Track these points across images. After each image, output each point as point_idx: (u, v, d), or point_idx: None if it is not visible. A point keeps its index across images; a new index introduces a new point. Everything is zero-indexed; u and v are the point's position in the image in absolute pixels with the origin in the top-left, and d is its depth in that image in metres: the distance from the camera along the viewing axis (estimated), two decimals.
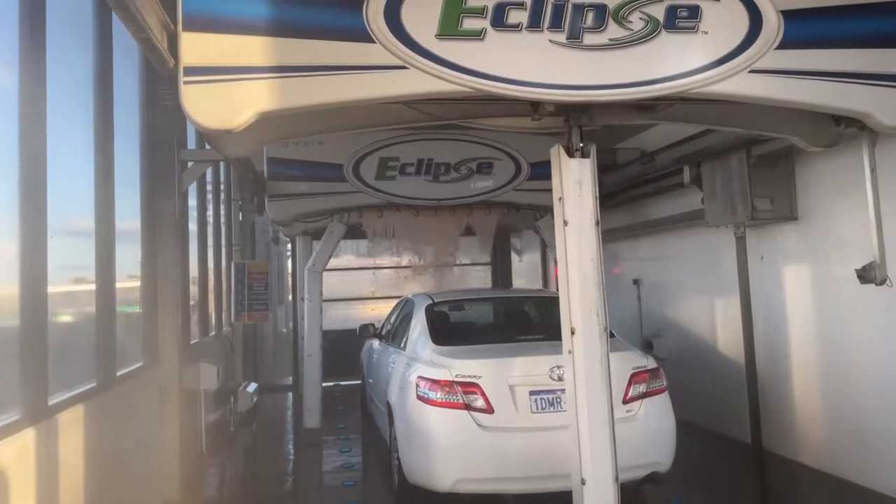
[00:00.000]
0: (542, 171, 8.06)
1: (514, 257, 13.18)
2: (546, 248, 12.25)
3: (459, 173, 8.44)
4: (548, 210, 8.66)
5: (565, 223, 3.76)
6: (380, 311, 10.12)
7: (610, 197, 8.80)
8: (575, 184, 3.78)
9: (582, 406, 3.68)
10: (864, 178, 4.33)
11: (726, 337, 7.41)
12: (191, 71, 3.29)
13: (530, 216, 9.92)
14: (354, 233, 9.19)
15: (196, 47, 3.31)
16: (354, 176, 8.19)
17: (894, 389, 5.29)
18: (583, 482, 3.68)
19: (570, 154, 3.84)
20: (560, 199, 3.79)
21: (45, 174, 3.60)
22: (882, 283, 4.26)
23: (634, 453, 5.04)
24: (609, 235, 9.82)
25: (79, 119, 4.50)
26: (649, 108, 4.06)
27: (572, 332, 3.72)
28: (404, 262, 12.94)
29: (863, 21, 3.96)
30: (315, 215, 8.60)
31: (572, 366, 3.71)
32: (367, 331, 8.32)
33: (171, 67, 3.48)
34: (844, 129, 4.33)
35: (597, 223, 3.79)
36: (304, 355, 8.56)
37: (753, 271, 6.89)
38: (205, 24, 3.34)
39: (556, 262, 11.57)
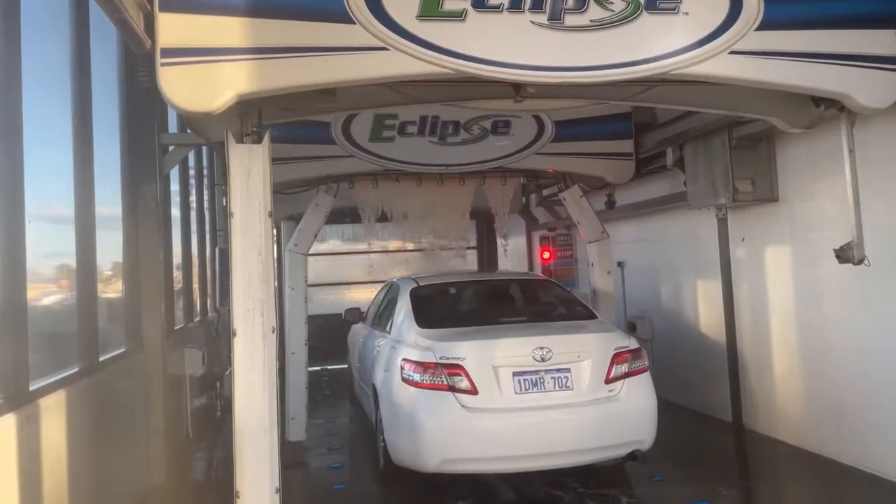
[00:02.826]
0: (569, 131, 7.04)
1: (500, 240, 13.18)
2: (532, 232, 12.27)
3: (471, 134, 6.98)
4: (576, 178, 7.66)
5: (231, 214, 3.59)
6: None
7: (648, 161, 7.75)
8: (242, 172, 3.59)
9: (240, 413, 3.55)
10: (842, 159, 4.38)
11: (708, 318, 7.49)
12: (168, 52, 3.26)
13: (518, 195, 9.55)
14: (342, 216, 8.82)
15: (173, 28, 3.28)
16: (344, 136, 6.80)
17: (871, 367, 5.38)
18: (236, 495, 3.55)
19: (240, 139, 3.63)
20: (226, 188, 3.62)
21: (22, 159, 3.55)
22: (860, 262, 4.33)
23: (616, 432, 5.13)
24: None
25: (56, 103, 4.44)
26: (330, 92, 3.78)
27: (234, 334, 3.57)
28: (406, 245, 12.48)
29: (841, 3, 4.00)
30: (296, 185, 7.26)
31: (233, 371, 3.58)
32: (353, 314, 8.31)
33: (149, 49, 3.44)
34: (824, 110, 4.38)
35: (269, 214, 3.62)
36: (287, 352, 7.10)
37: (735, 253, 6.95)
38: (182, 4, 3.32)
39: (541, 244, 11.66)
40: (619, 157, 7.40)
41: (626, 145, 7.39)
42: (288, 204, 7.88)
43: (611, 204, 8.59)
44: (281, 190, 7.02)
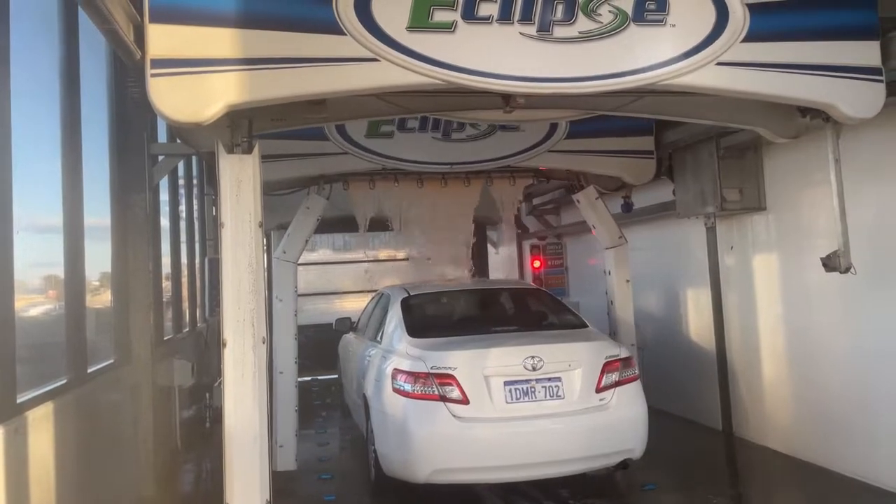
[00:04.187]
0: (584, 126, 6.35)
1: (491, 249, 13.22)
2: (522, 241, 12.30)
3: (478, 129, 6.38)
4: (591, 178, 7.14)
5: (221, 225, 3.62)
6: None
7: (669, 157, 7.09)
8: (233, 182, 3.60)
9: (230, 424, 3.56)
10: (828, 169, 4.43)
11: (698, 326, 7.53)
12: (158, 63, 3.27)
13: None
14: (332, 226, 8.68)
15: (163, 39, 3.28)
16: (338, 131, 6.16)
17: (858, 375, 5.43)
18: None
19: (230, 150, 3.65)
20: (216, 198, 3.63)
21: (10, 169, 3.53)
22: (846, 270, 4.37)
23: (607, 441, 5.14)
24: (584, 227, 9.89)
25: (45, 112, 4.42)
26: (321, 103, 3.81)
27: (224, 345, 3.58)
28: (396, 254, 12.23)
29: (827, 14, 4.05)
30: (285, 186, 6.65)
31: (223, 382, 3.59)
32: (344, 324, 8.29)
33: (138, 59, 3.44)
34: (810, 120, 4.43)
35: (259, 225, 3.64)
36: (274, 371, 6.22)
37: (723, 261, 7.00)
38: (172, 15, 3.32)
39: (532, 253, 11.68)
40: (639, 156, 6.78)
41: (646, 142, 6.78)
42: (279, 213, 7.37)
43: (627, 207, 7.79)
44: (269, 191, 6.17)
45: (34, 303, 4.39)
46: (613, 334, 6.71)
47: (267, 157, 5.69)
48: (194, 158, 8.47)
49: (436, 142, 6.34)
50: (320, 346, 10.12)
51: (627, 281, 6.96)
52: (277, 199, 6.83)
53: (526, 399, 5.06)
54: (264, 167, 5.68)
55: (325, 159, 6.26)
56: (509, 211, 7.50)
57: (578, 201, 7.22)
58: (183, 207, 8.48)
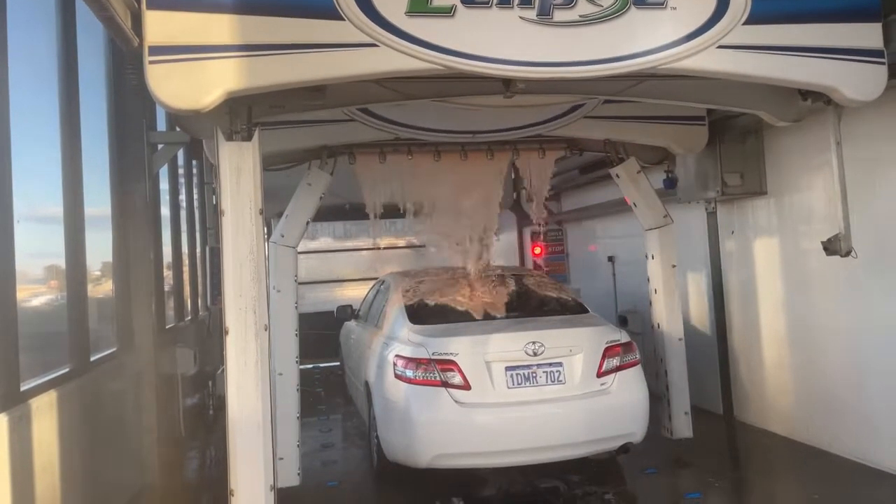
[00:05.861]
0: None
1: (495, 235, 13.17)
2: (523, 227, 12.27)
3: None
4: (631, 149, 6.23)
5: (221, 212, 3.60)
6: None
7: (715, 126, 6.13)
8: (233, 170, 3.59)
9: (233, 412, 3.59)
10: (830, 152, 4.42)
11: (699, 310, 7.54)
12: (156, 50, 3.25)
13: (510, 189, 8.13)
14: (331, 213, 8.52)
15: (161, 26, 3.26)
16: None
17: (858, 358, 5.44)
18: (231, 493, 3.57)
19: (229, 137, 3.63)
20: (216, 185, 3.60)
21: (10, 159, 3.53)
22: (847, 254, 4.37)
23: (608, 425, 5.16)
24: (584, 213, 9.90)
25: (43, 101, 4.41)
26: (320, 89, 3.74)
27: (226, 333, 3.59)
28: (398, 242, 11.96)
29: None
30: (285, 159, 5.77)
31: (226, 370, 3.61)
32: (345, 312, 8.30)
33: (136, 47, 3.42)
34: (811, 103, 4.41)
35: (260, 212, 3.63)
36: (272, 372, 4.51)
37: (724, 245, 7.00)
38: (170, 1, 3.30)
39: (532, 239, 11.65)
40: (689, 122, 5.84)
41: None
42: (279, 201, 6.34)
43: (671, 182, 6.95)
44: (267, 166, 4.97)
45: (36, 293, 4.41)
46: (657, 326, 6.31)
47: (266, 125, 4.58)
48: (194, 146, 8.44)
49: (456, 106, 5.14)
50: (320, 334, 10.10)
51: (673, 266, 6.19)
52: (278, 185, 5.96)
53: (527, 384, 5.08)
54: (264, 135, 4.46)
55: (329, 127, 5.34)
56: (540, 189, 6.45)
57: (617, 176, 6.29)
58: (183, 196, 8.47)
